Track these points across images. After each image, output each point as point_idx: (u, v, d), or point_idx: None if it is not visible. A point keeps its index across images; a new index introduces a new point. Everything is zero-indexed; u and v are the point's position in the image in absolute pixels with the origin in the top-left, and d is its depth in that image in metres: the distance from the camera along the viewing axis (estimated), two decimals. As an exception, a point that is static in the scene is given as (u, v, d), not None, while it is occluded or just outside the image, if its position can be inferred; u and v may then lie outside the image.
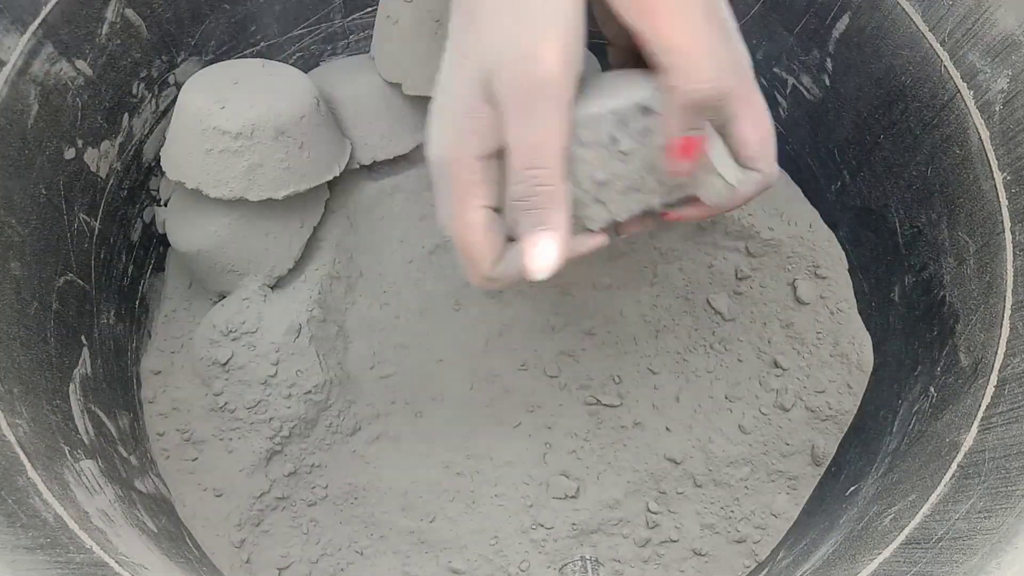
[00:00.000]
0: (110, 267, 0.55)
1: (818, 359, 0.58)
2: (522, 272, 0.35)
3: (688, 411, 0.58)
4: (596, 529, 0.56)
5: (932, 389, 0.48)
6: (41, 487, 0.39)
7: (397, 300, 0.59)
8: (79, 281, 0.51)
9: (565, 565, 0.51)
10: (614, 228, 0.38)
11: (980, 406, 0.42)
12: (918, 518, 0.40)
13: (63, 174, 0.49)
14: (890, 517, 0.42)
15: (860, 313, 0.59)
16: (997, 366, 0.42)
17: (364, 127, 0.59)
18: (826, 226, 0.60)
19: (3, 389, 0.41)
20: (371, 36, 0.59)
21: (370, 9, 0.61)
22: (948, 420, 0.44)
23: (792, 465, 0.57)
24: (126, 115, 0.53)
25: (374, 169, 0.61)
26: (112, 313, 0.55)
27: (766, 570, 0.55)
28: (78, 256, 0.51)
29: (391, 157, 0.59)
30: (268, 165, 0.51)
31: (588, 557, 0.53)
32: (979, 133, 0.45)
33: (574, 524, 0.56)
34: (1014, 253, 0.43)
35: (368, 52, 0.61)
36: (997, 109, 0.44)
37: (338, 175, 0.56)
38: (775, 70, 0.58)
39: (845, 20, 0.51)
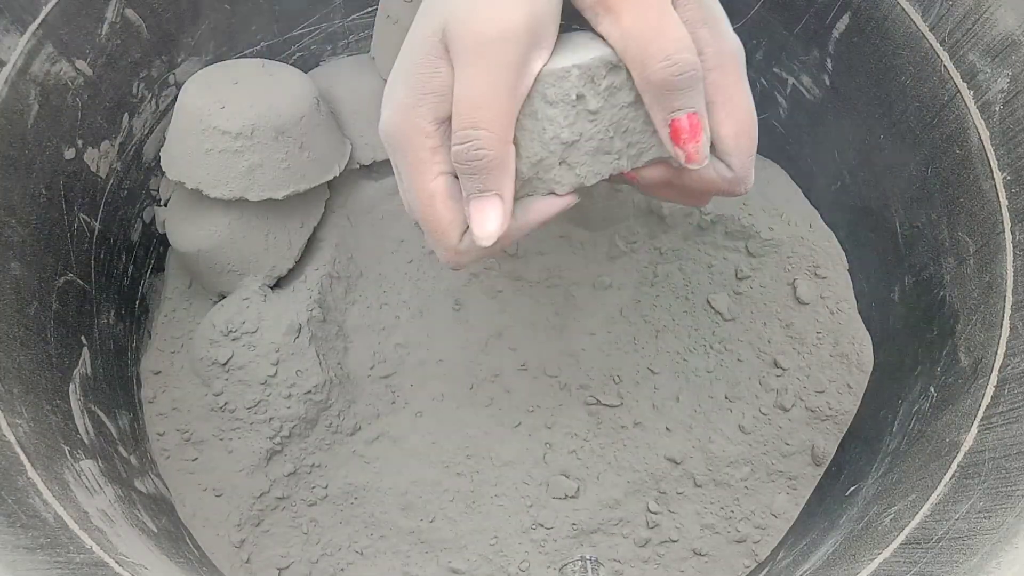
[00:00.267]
0: (110, 267, 0.55)
1: (818, 359, 0.58)
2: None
3: (688, 411, 0.58)
4: (596, 529, 0.56)
5: (932, 389, 0.48)
6: (41, 487, 0.39)
7: (397, 300, 0.59)
8: (79, 281, 0.51)
9: (565, 565, 0.51)
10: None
11: (980, 406, 0.42)
12: (918, 518, 0.40)
13: (63, 174, 0.49)
14: (890, 517, 0.42)
15: (860, 313, 0.59)
16: (997, 366, 0.42)
17: (364, 127, 0.59)
18: (826, 226, 0.60)
19: (3, 389, 0.41)
20: (371, 36, 0.59)
21: (370, 9, 0.61)
22: (948, 420, 0.44)
23: (792, 465, 0.57)
24: (126, 115, 0.53)
25: (374, 169, 0.61)
26: (112, 313, 0.55)
27: (766, 570, 0.55)
28: (78, 256, 0.51)
29: (391, 157, 0.59)
30: (268, 165, 0.51)
31: (588, 557, 0.53)
32: (979, 133, 0.45)
33: (574, 524, 0.56)
34: (1014, 253, 0.43)
35: (368, 52, 0.61)
36: (997, 109, 0.43)
37: (338, 175, 0.56)
38: (775, 70, 0.58)
39: (845, 20, 0.51)
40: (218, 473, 0.54)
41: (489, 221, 0.32)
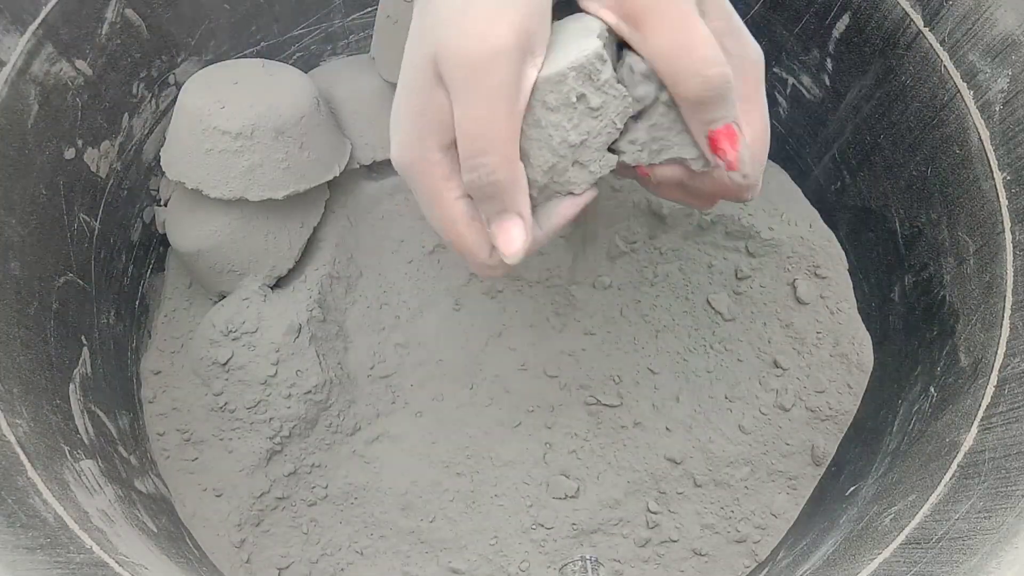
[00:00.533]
0: (110, 267, 0.55)
1: (818, 359, 0.58)
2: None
3: (688, 411, 0.58)
4: (596, 529, 0.56)
5: (932, 389, 0.48)
6: (41, 487, 0.39)
7: (397, 300, 0.59)
8: (79, 281, 0.51)
9: (565, 565, 0.51)
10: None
11: (980, 406, 0.42)
12: (918, 518, 0.40)
13: (63, 174, 0.49)
14: (890, 517, 0.42)
15: (860, 313, 0.59)
16: (997, 366, 0.42)
17: (364, 127, 0.59)
18: (826, 226, 0.60)
19: (3, 389, 0.41)
20: (371, 36, 0.59)
21: (370, 9, 0.61)
22: (948, 420, 0.44)
23: (792, 465, 0.57)
24: (126, 115, 0.53)
25: (374, 169, 0.61)
26: (112, 313, 0.55)
27: (766, 570, 0.55)
28: (78, 256, 0.51)
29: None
30: (268, 165, 0.51)
31: (588, 557, 0.53)
32: (979, 133, 0.45)
33: (574, 524, 0.56)
34: (1014, 253, 0.43)
35: (368, 52, 0.61)
36: (997, 109, 0.44)
37: (338, 175, 0.56)
38: (775, 70, 0.58)
39: (845, 20, 0.51)
40: (218, 473, 0.54)
41: (513, 240, 0.33)
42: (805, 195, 0.62)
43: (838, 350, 0.58)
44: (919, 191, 0.51)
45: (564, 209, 0.34)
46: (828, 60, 0.54)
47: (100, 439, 0.49)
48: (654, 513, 0.56)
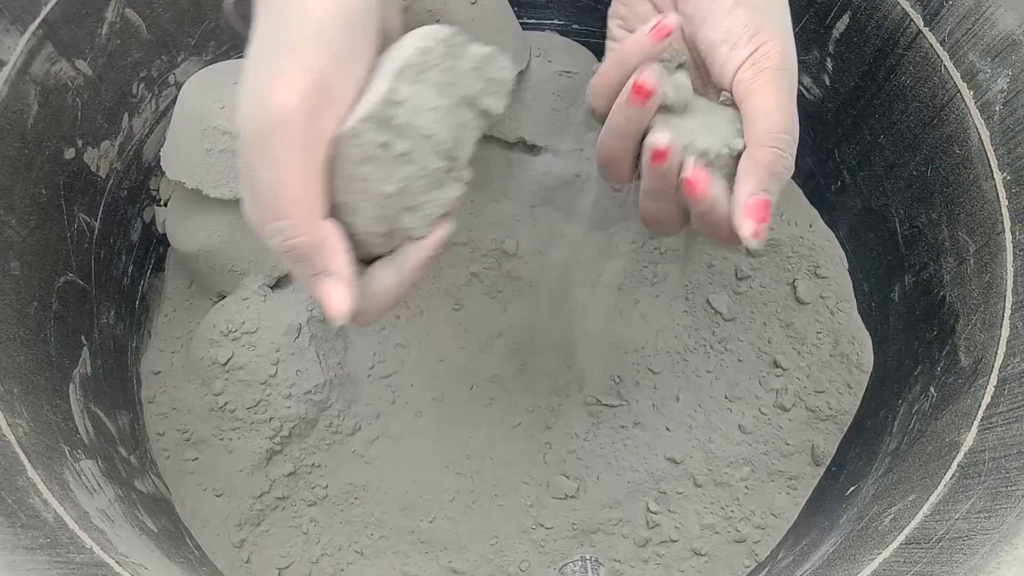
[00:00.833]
0: (110, 267, 0.55)
1: (818, 359, 0.58)
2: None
3: (688, 411, 0.58)
4: (596, 529, 0.56)
5: (932, 389, 0.48)
6: (41, 487, 0.39)
7: (397, 300, 0.59)
8: (79, 281, 0.51)
9: (565, 565, 0.51)
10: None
11: (980, 406, 0.42)
12: (918, 518, 0.40)
13: (63, 174, 0.49)
14: (890, 517, 0.42)
15: (860, 313, 0.59)
16: (997, 366, 0.42)
17: (364, 127, 0.59)
18: (826, 226, 0.60)
19: (3, 389, 0.41)
20: (371, 36, 0.59)
21: (370, 9, 0.60)
22: (948, 420, 0.44)
23: (792, 465, 0.57)
24: (126, 115, 0.53)
25: (374, 169, 0.61)
26: (112, 313, 0.55)
27: (766, 570, 0.55)
28: (78, 256, 0.51)
29: (391, 157, 0.59)
30: (268, 165, 0.51)
31: (588, 557, 0.52)
32: (979, 133, 0.45)
33: (574, 524, 0.56)
34: (1014, 253, 0.43)
35: (368, 52, 0.61)
36: (997, 109, 0.44)
37: (338, 175, 0.56)
38: (775, 70, 0.58)
39: (845, 20, 0.51)
40: (218, 473, 0.54)
41: (335, 302, 0.31)
42: (805, 195, 0.62)
43: (838, 350, 0.58)
44: (919, 191, 0.51)
45: (415, 253, 0.33)
46: (828, 60, 0.54)
47: (100, 439, 0.49)
48: (654, 513, 0.56)
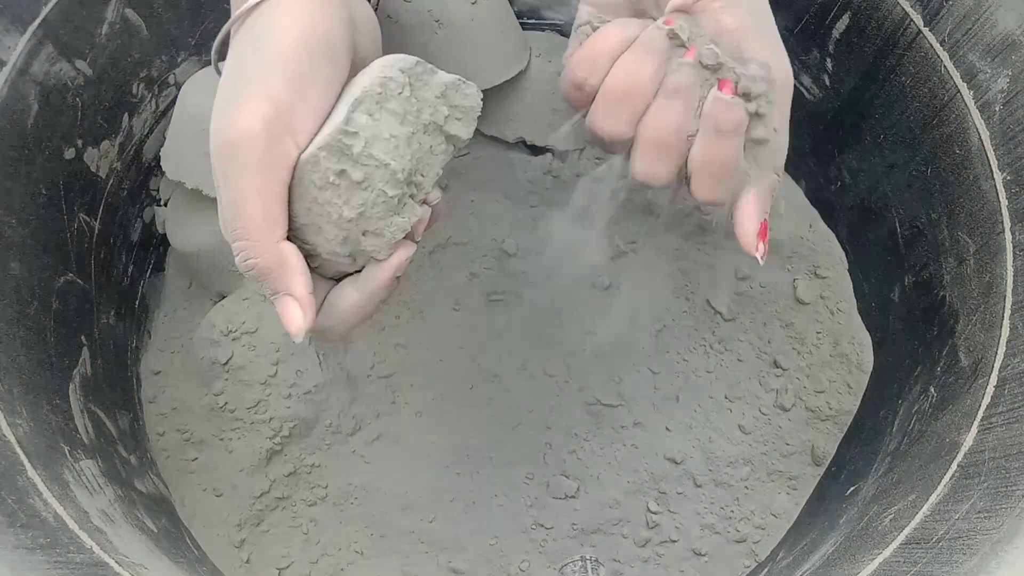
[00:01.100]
0: (110, 267, 0.55)
1: (818, 359, 0.58)
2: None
3: (688, 411, 0.58)
4: (596, 529, 0.56)
5: (932, 389, 0.48)
6: (41, 487, 0.39)
7: (397, 300, 0.59)
8: (79, 281, 0.51)
9: (565, 565, 0.51)
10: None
11: (980, 406, 0.42)
12: (918, 518, 0.40)
13: (63, 174, 0.49)
14: (890, 517, 0.42)
15: (860, 313, 0.59)
16: (997, 366, 0.42)
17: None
18: (826, 226, 0.60)
19: (3, 389, 0.41)
20: (371, 36, 0.59)
21: (370, 9, 0.60)
22: (948, 420, 0.44)
23: (792, 465, 0.57)
24: (126, 115, 0.53)
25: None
26: (112, 313, 0.55)
27: (766, 570, 0.55)
28: (78, 256, 0.51)
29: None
30: (268, 165, 0.51)
31: (588, 557, 0.53)
32: (979, 133, 0.45)
33: (574, 524, 0.56)
34: (1014, 253, 0.43)
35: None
36: (997, 109, 0.44)
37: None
38: (775, 70, 0.58)
39: (845, 20, 0.51)
40: (218, 473, 0.54)
41: (293, 320, 0.32)
42: (805, 195, 0.62)
43: (838, 350, 0.58)
44: (919, 191, 0.51)
45: (379, 274, 0.34)
46: (828, 60, 0.54)
47: (100, 439, 0.49)
48: (654, 513, 0.56)
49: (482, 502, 0.56)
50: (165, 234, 0.58)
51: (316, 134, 0.32)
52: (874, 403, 0.56)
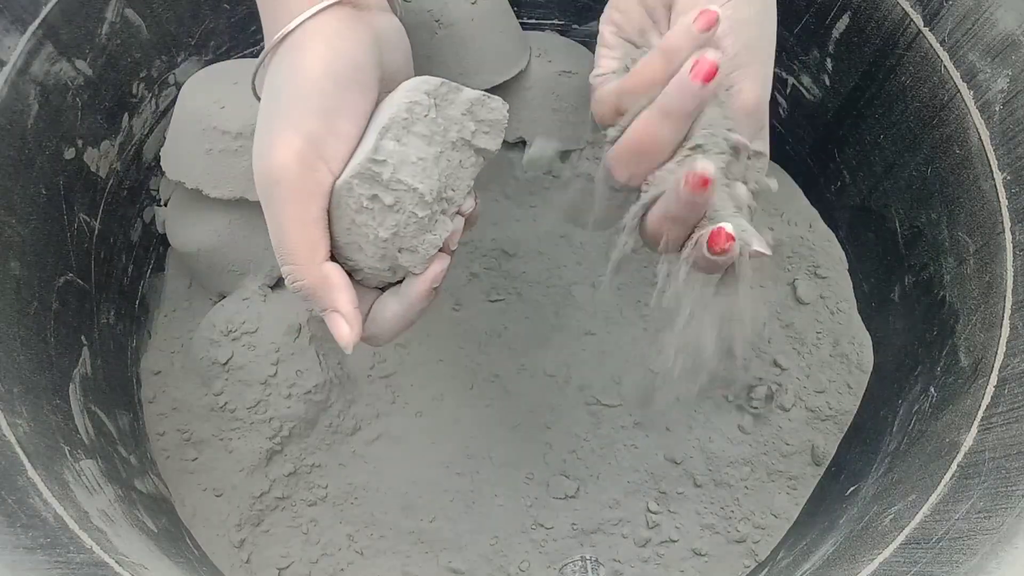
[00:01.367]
0: (110, 267, 0.55)
1: (818, 359, 0.58)
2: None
3: (688, 411, 0.58)
4: (596, 529, 0.56)
5: (932, 389, 0.48)
6: (41, 487, 0.39)
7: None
8: (79, 281, 0.51)
9: (565, 565, 0.51)
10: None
11: (980, 406, 0.42)
12: (918, 518, 0.40)
13: (63, 174, 0.49)
14: (890, 517, 0.42)
15: (860, 313, 0.58)
16: (997, 366, 0.42)
17: (364, 127, 0.59)
18: (826, 226, 0.60)
19: (3, 389, 0.41)
20: (371, 36, 0.59)
21: (370, 9, 0.60)
22: (948, 420, 0.44)
23: (792, 465, 0.57)
24: (126, 115, 0.53)
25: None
26: (112, 313, 0.55)
27: (766, 570, 0.55)
28: (78, 256, 0.51)
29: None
30: (268, 165, 0.51)
31: (588, 557, 0.52)
32: (979, 133, 0.45)
33: (574, 524, 0.56)
34: (1014, 253, 0.43)
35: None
36: (997, 109, 0.43)
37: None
38: (775, 70, 0.58)
39: (845, 20, 0.51)
40: (218, 473, 0.54)
41: (341, 333, 0.35)
42: (805, 195, 0.62)
43: (838, 350, 0.58)
44: (919, 191, 0.51)
45: (416, 286, 0.36)
46: (828, 60, 0.54)
47: (100, 439, 0.49)
48: (654, 513, 0.56)
49: (482, 502, 0.56)
50: (165, 234, 0.58)
51: (349, 158, 0.34)
52: (874, 403, 0.56)
